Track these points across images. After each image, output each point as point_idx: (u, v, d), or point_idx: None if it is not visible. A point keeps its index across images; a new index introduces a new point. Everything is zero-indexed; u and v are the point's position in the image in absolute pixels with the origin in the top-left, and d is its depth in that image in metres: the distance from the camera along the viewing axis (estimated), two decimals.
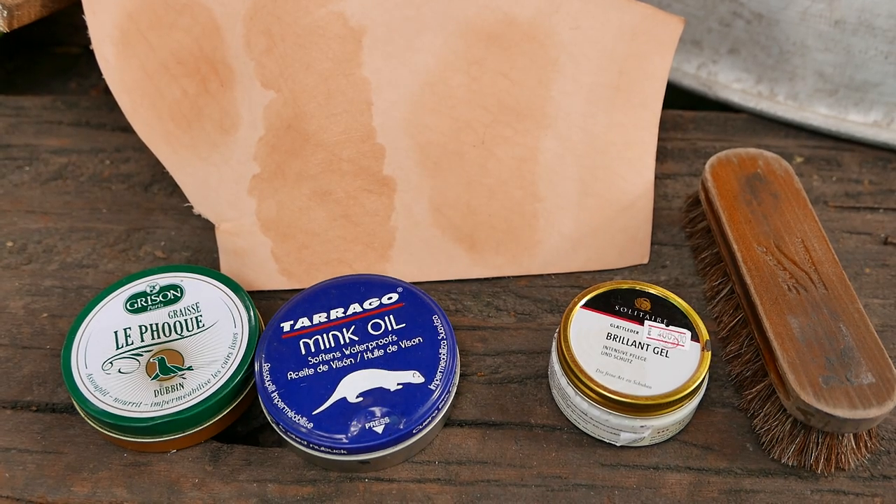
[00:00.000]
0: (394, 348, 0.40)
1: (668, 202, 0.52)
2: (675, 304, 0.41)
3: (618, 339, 0.39)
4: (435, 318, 0.41)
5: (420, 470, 0.39)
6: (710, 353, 0.39)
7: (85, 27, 0.45)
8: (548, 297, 0.47)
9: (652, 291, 0.41)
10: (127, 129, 0.57)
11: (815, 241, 0.42)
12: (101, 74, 0.47)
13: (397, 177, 0.46)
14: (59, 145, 0.56)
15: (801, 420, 0.37)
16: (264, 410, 0.39)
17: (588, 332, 0.40)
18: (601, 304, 0.41)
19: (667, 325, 0.40)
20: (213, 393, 0.39)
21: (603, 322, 0.40)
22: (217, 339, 0.41)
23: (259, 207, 0.46)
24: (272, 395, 0.38)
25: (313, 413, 0.38)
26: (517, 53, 0.45)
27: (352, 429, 0.37)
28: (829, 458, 0.38)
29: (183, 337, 0.41)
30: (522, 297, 0.47)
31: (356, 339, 0.41)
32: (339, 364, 0.39)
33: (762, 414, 0.39)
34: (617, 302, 0.41)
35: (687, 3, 0.56)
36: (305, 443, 0.37)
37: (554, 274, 0.48)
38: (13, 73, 0.66)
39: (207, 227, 0.50)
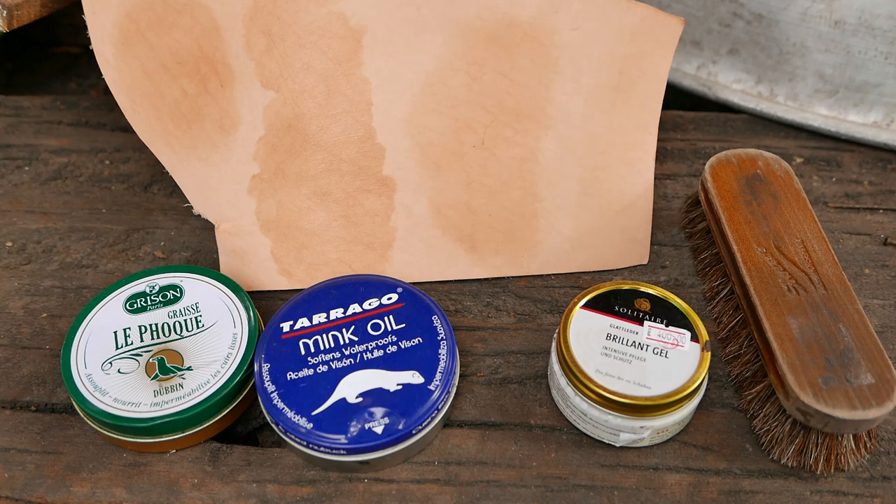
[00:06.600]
0: (393, 349, 0.40)
1: (668, 202, 0.52)
2: (674, 304, 0.41)
3: (617, 340, 0.39)
4: (434, 318, 0.41)
5: (419, 470, 0.39)
6: (709, 353, 0.39)
7: (85, 27, 0.45)
8: (547, 297, 0.47)
9: (651, 292, 0.41)
10: (127, 129, 0.57)
11: (815, 241, 0.42)
12: (100, 74, 0.47)
13: (397, 177, 0.46)
14: (58, 145, 0.56)
15: (800, 421, 0.37)
16: (264, 411, 0.39)
17: (588, 332, 0.40)
18: (601, 305, 0.41)
19: (666, 326, 0.40)
20: (213, 393, 0.39)
21: (602, 322, 0.40)
22: (216, 340, 0.41)
23: (259, 207, 0.46)
24: (272, 395, 0.38)
25: (313, 413, 0.38)
26: (517, 54, 0.45)
27: (351, 429, 0.37)
28: (828, 458, 0.38)
29: (182, 337, 0.41)
30: (522, 297, 0.47)
31: (356, 339, 0.41)
32: (339, 364, 0.39)
33: (762, 414, 0.39)
34: (617, 302, 0.41)
35: (687, 3, 0.56)
36: (305, 443, 0.37)
37: (554, 274, 0.48)
38: (13, 73, 0.66)
39: (207, 227, 0.50)
